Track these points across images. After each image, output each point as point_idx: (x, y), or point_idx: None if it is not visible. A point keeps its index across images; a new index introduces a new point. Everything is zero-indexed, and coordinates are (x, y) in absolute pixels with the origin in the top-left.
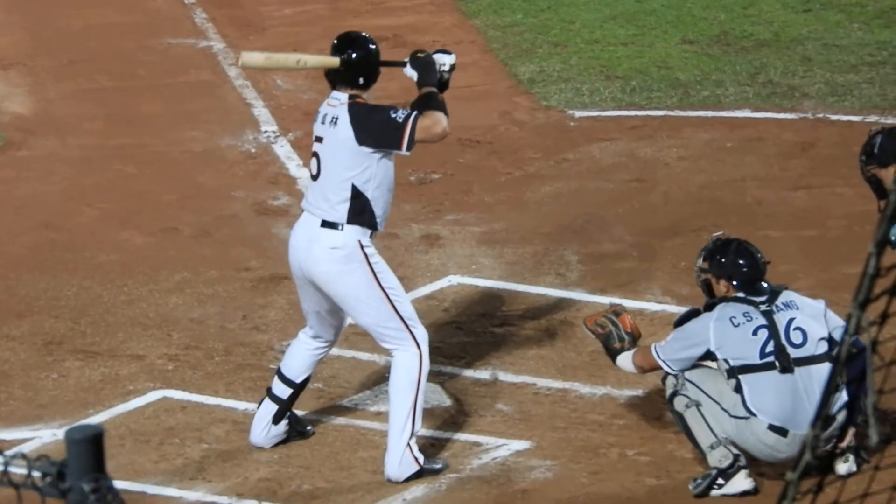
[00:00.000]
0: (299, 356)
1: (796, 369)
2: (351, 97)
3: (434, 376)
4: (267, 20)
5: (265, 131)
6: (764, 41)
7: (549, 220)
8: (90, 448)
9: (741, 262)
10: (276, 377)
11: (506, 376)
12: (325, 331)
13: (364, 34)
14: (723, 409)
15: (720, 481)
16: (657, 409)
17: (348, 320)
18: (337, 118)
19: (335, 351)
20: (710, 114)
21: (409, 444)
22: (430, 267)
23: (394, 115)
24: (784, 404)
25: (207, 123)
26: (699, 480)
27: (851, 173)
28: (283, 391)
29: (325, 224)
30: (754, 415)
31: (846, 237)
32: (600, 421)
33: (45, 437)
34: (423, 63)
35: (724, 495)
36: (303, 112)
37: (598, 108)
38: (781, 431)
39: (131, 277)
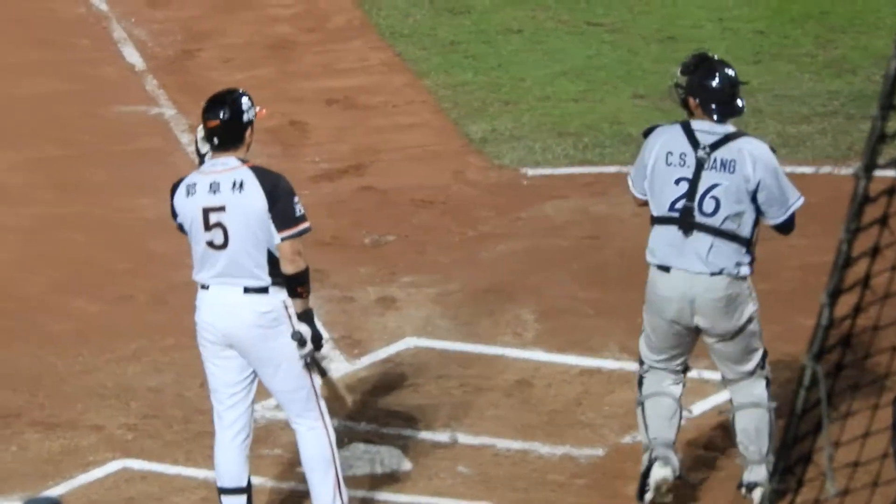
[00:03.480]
0: (230, 459)
1: (694, 232)
2: (242, 161)
3: (393, 439)
4: (217, 85)
5: None
6: None
7: (504, 279)
8: None
9: (708, 82)
10: (221, 496)
11: (465, 438)
12: (241, 415)
13: (235, 91)
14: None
15: (647, 484)
16: (617, 468)
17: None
18: (242, 183)
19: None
20: None
21: None
22: (386, 330)
23: (296, 204)
24: (673, 252)
25: (159, 191)
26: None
27: (806, 223)
28: (238, 502)
29: (249, 290)
30: (649, 259)
31: (801, 289)
32: (560, 481)
33: None
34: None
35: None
36: None
37: (550, 165)
38: (665, 269)
39: (86, 346)
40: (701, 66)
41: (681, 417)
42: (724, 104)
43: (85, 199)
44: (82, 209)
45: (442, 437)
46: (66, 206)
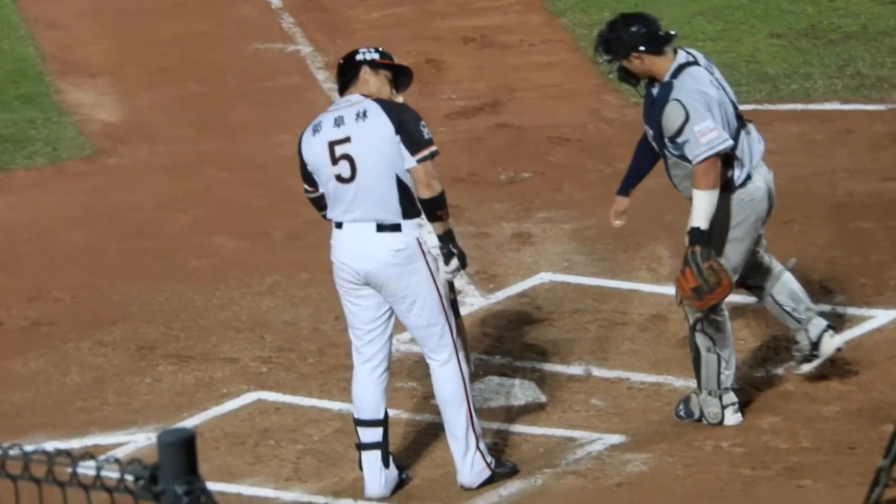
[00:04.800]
0: (369, 392)
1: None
2: (365, 96)
3: (528, 372)
4: (354, 24)
5: None
6: (852, 33)
7: (639, 216)
8: (182, 451)
9: (635, 28)
10: (357, 428)
11: (599, 371)
12: (380, 349)
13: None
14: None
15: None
16: (751, 399)
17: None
18: (365, 112)
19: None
20: (799, 107)
21: (478, 449)
22: (521, 265)
23: (422, 128)
24: (754, 147)
25: (297, 128)
26: (681, 410)
27: None
28: (375, 434)
29: (382, 228)
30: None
31: None
32: None
33: (140, 441)
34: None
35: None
36: None
37: None
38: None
39: (223, 282)
40: (617, 27)
41: None
42: (660, 32)
43: (224, 137)
44: (222, 147)
45: (576, 370)
46: (205, 144)
